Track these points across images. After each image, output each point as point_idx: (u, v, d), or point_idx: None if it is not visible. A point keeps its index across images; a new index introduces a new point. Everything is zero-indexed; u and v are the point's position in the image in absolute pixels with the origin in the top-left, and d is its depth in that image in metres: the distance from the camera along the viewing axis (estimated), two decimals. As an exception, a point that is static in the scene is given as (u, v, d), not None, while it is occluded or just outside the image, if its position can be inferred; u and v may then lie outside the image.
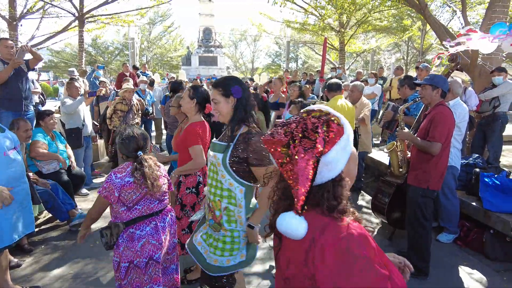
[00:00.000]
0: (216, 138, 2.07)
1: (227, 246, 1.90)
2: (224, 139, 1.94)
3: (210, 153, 1.96)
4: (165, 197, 2.19)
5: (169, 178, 2.26)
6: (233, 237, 1.90)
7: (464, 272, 3.24)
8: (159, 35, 34.72)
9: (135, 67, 10.44)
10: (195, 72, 23.49)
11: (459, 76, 4.55)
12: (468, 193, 4.04)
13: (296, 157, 0.88)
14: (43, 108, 7.79)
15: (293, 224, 0.90)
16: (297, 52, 38.76)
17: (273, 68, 39.92)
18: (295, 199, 0.89)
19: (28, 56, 4.39)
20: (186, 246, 2.10)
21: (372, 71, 8.25)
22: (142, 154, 2.06)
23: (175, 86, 5.09)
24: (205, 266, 1.93)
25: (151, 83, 8.66)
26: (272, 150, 0.93)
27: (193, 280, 3.00)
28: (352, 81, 8.70)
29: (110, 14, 12.56)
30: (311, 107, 1.04)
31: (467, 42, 3.78)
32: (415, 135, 3.13)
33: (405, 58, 26.00)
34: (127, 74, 9.94)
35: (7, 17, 11.13)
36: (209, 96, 2.76)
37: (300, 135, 0.90)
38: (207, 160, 2.09)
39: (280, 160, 0.92)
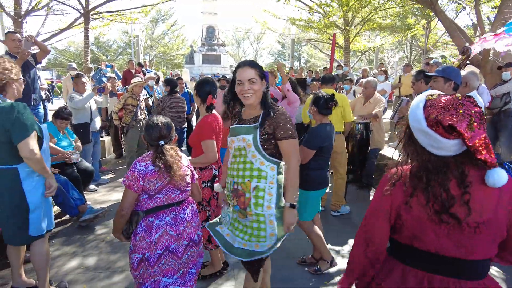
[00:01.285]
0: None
1: (254, 232, 1.98)
2: (247, 121, 2.02)
3: (234, 138, 2.02)
4: (187, 188, 2.14)
5: (192, 169, 2.21)
6: (259, 222, 1.96)
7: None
8: (162, 33, 34.73)
9: (140, 65, 10.40)
10: (198, 71, 23.45)
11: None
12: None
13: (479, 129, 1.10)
14: (49, 105, 7.79)
15: (504, 176, 1.11)
16: (300, 51, 38.67)
17: (276, 67, 39.80)
18: (489, 160, 1.10)
19: (35, 50, 4.36)
20: (207, 226, 2.25)
21: (382, 68, 8.18)
22: (164, 143, 2.04)
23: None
24: (234, 251, 2.03)
25: (157, 81, 8.64)
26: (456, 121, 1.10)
27: (207, 275, 2.96)
28: (358, 79, 8.65)
29: (114, 11, 12.53)
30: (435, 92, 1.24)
31: (485, 43, 3.71)
32: None
33: (409, 56, 25.89)
34: (133, 71, 9.91)
35: (13, 14, 11.11)
36: (210, 88, 2.75)
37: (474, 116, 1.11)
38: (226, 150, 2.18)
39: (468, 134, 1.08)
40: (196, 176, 2.27)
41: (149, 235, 1.99)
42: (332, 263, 3.03)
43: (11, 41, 4.11)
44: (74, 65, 8.94)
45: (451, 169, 1.15)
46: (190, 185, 2.17)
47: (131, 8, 12.77)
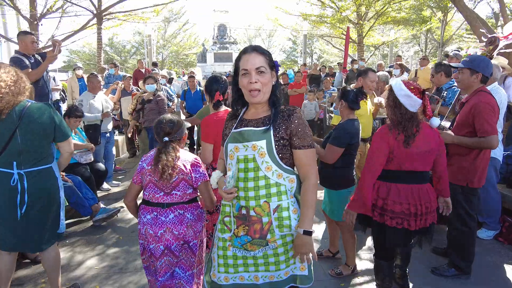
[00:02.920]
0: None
1: (281, 257, 1.60)
2: (253, 123, 1.59)
3: (238, 145, 1.57)
4: (175, 192, 2.05)
5: (200, 173, 2.09)
6: (287, 242, 1.59)
7: (510, 270, 3.01)
8: (174, 33, 34.89)
9: (154, 64, 10.44)
10: (211, 69, 23.46)
11: (503, 64, 4.20)
12: (508, 186, 3.77)
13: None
14: (63, 106, 7.87)
15: (437, 121, 2.46)
16: (312, 47, 38.25)
17: (287, 64, 39.55)
18: (430, 113, 2.30)
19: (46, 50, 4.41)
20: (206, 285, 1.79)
21: (398, 62, 7.94)
22: (168, 139, 2.08)
23: None
24: None
25: (170, 80, 8.65)
26: None
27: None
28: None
29: (126, 11, 12.61)
30: None
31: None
32: (451, 128, 2.88)
33: (424, 50, 25.22)
34: (142, 70, 9.95)
35: (28, 16, 11.30)
36: (218, 85, 2.67)
37: None
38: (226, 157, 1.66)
39: None
40: (202, 180, 2.09)
41: (139, 226, 2.13)
42: (354, 271, 2.92)
43: (31, 43, 4.15)
44: (80, 65, 9.01)
45: (415, 118, 2.18)
46: (179, 189, 2.06)
47: (143, 8, 12.84)
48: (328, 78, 8.00)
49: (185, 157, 2.10)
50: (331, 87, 7.95)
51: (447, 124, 3.03)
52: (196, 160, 2.11)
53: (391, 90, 2.24)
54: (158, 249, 2.04)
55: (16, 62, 3.97)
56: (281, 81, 9.30)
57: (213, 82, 2.68)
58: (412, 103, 2.14)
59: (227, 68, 24.32)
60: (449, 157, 2.67)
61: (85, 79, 8.24)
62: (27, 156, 2.18)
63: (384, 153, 2.17)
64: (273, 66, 1.59)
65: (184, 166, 2.06)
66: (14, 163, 2.16)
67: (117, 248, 3.42)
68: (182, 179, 2.05)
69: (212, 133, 2.51)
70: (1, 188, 2.17)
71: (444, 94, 3.92)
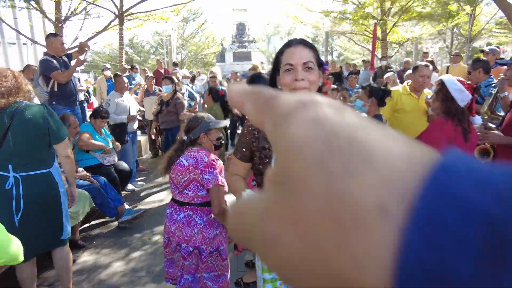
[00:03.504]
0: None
1: None
2: None
3: None
4: (186, 191, 2.04)
5: (212, 175, 2.00)
6: None
7: None
8: (193, 32, 35.14)
9: (175, 64, 10.46)
10: (230, 68, 23.43)
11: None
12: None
13: None
14: (87, 106, 7.98)
15: (478, 119, 2.61)
16: (332, 44, 37.68)
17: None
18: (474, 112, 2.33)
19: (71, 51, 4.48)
20: None
21: (427, 59, 7.61)
22: (185, 138, 2.14)
23: None
24: None
25: (193, 79, 8.63)
26: None
27: (250, 282, 2.78)
28: (399, 71, 8.13)
29: (147, 11, 12.72)
30: None
31: None
32: (500, 129, 2.66)
33: (450, 46, 24.29)
34: (162, 70, 9.98)
35: (54, 19, 11.56)
36: (264, 84, 2.58)
37: None
38: None
39: None
40: (213, 183, 1.98)
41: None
42: None
43: (60, 45, 4.23)
44: (108, 66, 9.13)
45: (466, 114, 2.17)
46: (190, 189, 2.03)
47: (163, 8, 12.91)
48: (354, 76, 7.75)
49: (201, 156, 2.03)
50: (356, 85, 7.71)
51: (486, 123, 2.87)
52: (212, 161, 2.03)
53: (442, 84, 2.21)
54: (173, 243, 2.10)
55: (46, 63, 4.02)
56: None
57: (258, 80, 2.62)
58: (464, 98, 2.14)
59: (246, 67, 24.19)
60: (495, 160, 2.50)
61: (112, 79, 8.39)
62: (21, 159, 2.11)
63: (444, 144, 2.07)
64: (321, 64, 1.38)
65: (196, 166, 2.00)
66: (10, 166, 2.09)
67: (143, 252, 3.36)
68: (194, 179, 2.00)
69: None
70: None
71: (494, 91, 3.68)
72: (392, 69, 8.52)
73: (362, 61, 10.95)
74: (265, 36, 41.21)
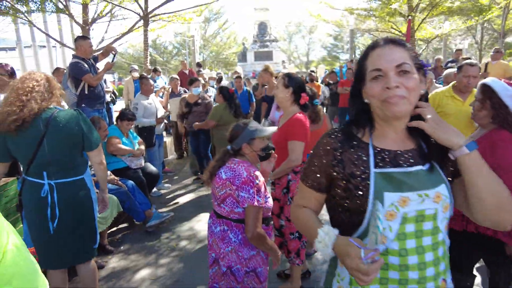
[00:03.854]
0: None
1: None
2: (409, 158, 1.04)
3: (411, 196, 0.97)
4: (223, 205, 1.89)
5: (248, 193, 1.80)
6: None
7: None
8: (214, 33, 35.34)
9: (198, 64, 10.44)
10: (251, 68, 23.33)
11: None
12: None
13: None
14: (114, 108, 8.06)
15: None
16: (355, 42, 36.89)
17: (329, 60, 38.55)
18: None
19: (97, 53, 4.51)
20: None
21: (462, 56, 7.18)
22: (229, 148, 1.98)
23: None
24: None
25: (220, 80, 8.57)
26: None
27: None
28: (430, 69, 7.73)
29: (171, 12, 12.78)
30: None
31: None
32: None
33: (480, 42, 23.19)
34: (186, 71, 9.96)
35: (81, 22, 11.82)
36: (304, 84, 2.47)
37: None
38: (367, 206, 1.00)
39: None
40: (249, 202, 1.78)
41: None
42: None
43: (89, 47, 4.25)
44: (136, 67, 9.20)
45: None
46: (226, 202, 1.87)
47: (187, 8, 12.96)
48: (383, 75, 7.45)
49: (240, 171, 1.84)
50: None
51: None
52: (250, 178, 1.80)
53: (489, 90, 1.91)
54: (211, 257, 2.00)
55: (78, 66, 4.03)
56: (329, 80, 8.86)
57: (301, 83, 2.48)
58: None
59: (268, 66, 24.06)
60: None
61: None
62: (57, 166, 2.05)
63: None
64: (421, 66, 1.05)
65: (233, 181, 1.82)
66: (45, 173, 2.03)
67: (171, 258, 3.28)
68: (230, 195, 1.84)
69: (303, 129, 2.35)
70: (32, 200, 2.06)
71: None
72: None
73: (391, 59, 10.54)
74: (286, 35, 40.86)
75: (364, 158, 1.04)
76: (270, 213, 1.99)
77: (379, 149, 1.06)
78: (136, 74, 8.27)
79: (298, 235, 2.50)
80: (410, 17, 10.68)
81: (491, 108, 1.92)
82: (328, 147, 1.09)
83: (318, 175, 1.10)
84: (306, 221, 1.13)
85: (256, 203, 1.79)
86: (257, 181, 1.82)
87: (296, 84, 2.41)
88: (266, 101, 6.07)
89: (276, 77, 5.38)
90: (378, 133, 1.08)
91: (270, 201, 1.93)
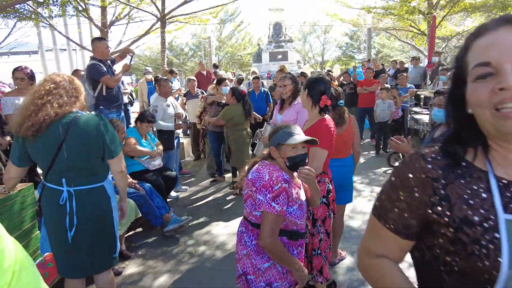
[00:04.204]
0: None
1: None
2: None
3: None
4: (245, 205, 1.84)
5: (264, 198, 1.69)
6: None
7: None
8: (229, 34, 35.42)
9: (215, 66, 10.40)
10: (266, 69, 23.21)
11: None
12: None
13: None
14: (132, 109, 8.10)
15: None
16: (370, 41, 36.24)
17: (344, 60, 38.02)
18: None
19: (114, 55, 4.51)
20: None
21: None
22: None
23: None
24: None
25: (240, 81, 8.50)
26: None
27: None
28: (450, 69, 7.45)
29: (188, 14, 12.82)
30: None
31: None
32: None
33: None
34: (204, 72, 9.93)
35: (100, 25, 11.99)
36: (324, 85, 2.32)
37: None
38: None
39: None
40: (264, 208, 1.67)
41: None
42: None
43: (106, 49, 4.24)
44: (150, 69, 9.24)
45: None
46: (247, 205, 1.82)
47: (203, 10, 12.97)
48: (405, 74, 7.20)
49: (263, 173, 1.75)
50: (407, 84, 7.15)
51: None
52: (271, 183, 1.68)
53: None
54: (237, 270, 1.90)
55: (96, 68, 4.01)
56: (343, 80, 8.63)
57: (320, 83, 2.33)
58: None
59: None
60: None
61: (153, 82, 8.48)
62: (76, 173, 1.96)
63: None
64: None
65: (254, 182, 1.74)
66: (63, 179, 1.95)
67: (190, 265, 3.19)
68: (250, 196, 1.76)
69: (328, 136, 2.23)
70: (50, 207, 1.98)
71: None
72: (445, 67, 7.83)
73: (412, 58, 10.24)
74: (301, 35, 40.55)
75: (484, 195, 0.71)
76: (299, 228, 1.82)
77: (505, 181, 0.72)
78: (150, 76, 8.29)
79: (319, 252, 2.36)
80: (434, 14, 10.29)
81: None
82: (423, 176, 0.76)
83: (406, 215, 0.78)
84: (381, 276, 0.83)
85: (270, 210, 1.66)
86: (277, 187, 1.68)
87: (311, 86, 2.29)
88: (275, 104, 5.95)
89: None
90: (497, 156, 0.75)
91: (299, 214, 1.79)
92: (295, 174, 1.88)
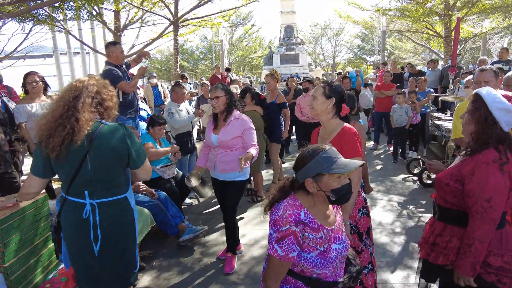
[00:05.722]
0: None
1: None
2: None
3: None
4: None
5: (271, 236, 1.46)
6: None
7: None
8: (241, 37, 35.44)
9: (228, 69, 10.34)
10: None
11: None
12: None
13: None
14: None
15: None
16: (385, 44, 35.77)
17: (355, 62, 37.62)
18: None
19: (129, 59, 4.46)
20: None
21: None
22: (295, 177, 1.62)
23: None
24: None
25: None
26: None
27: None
28: (471, 72, 7.19)
29: (201, 17, 12.82)
30: None
31: None
32: None
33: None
34: (219, 76, 9.87)
35: (113, 29, 12.07)
36: (345, 93, 2.20)
37: None
38: None
39: None
40: (268, 249, 1.46)
41: None
42: None
43: (120, 53, 4.16)
44: (155, 73, 9.22)
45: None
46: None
47: (216, 13, 12.95)
48: (423, 78, 6.97)
49: (280, 207, 1.48)
50: (426, 88, 6.93)
51: None
52: (280, 219, 1.42)
53: (480, 100, 1.66)
54: None
55: (112, 74, 3.91)
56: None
57: (343, 93, 2.21)
58: (511, 119, 1.61)
59: (294, 69, 23.75)
60: None
61: (159, 87, 8.41)
62: (99, 185, 1.87)
63: (508, 188, 1.58)
64: None
65: (271, 212, 1.52)
66: (86, 192, 1.86)
67: (205, 278, 3.08)
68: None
69: (361, 145, 2.09)
70: (74, 221, 1.89)
71: None
72: (465, 70, 7.59)
73: (430, 60, 9.98)
74: (312, 37, 40.32)
75: None
76: (322, 277, 1.47)
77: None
78: (155, 81, 8.23)
79: (371, 267, 2.23)
80: (459, 15, 10.00)
81: (476, 121, 1.64)
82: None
83: None
84: None
85: (272, 252, 1.41)
86: (284, 228, 1.39)
87: (338, 94, 2.11)
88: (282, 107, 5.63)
89: (286, 83, 5.16)
90: None
91: (318, 263, 1.44)
92: (333, 208, 1.57)
